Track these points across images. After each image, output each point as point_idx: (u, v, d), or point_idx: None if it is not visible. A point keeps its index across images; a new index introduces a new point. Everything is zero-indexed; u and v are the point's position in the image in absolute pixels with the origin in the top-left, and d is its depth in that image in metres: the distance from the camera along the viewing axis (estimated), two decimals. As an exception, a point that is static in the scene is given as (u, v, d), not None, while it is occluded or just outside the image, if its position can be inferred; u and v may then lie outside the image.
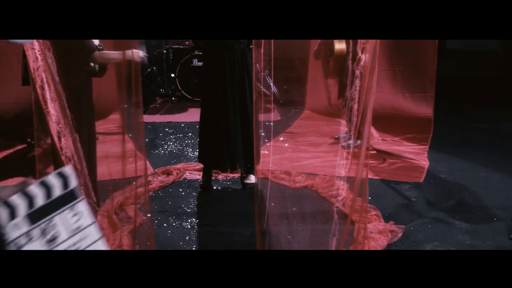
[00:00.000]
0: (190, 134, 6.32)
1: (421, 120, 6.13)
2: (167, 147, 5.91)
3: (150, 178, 4.81)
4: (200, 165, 4.83)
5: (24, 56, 5.20)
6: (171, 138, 6.26)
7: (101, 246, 1.75)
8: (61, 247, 1.68)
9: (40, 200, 1.66)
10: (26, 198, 1.65)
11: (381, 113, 6.12)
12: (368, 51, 4.98)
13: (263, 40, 4.23)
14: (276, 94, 8.03)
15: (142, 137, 4.40)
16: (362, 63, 5.10)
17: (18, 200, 1.64)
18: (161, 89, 8.14)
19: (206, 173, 4.65)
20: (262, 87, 7.08)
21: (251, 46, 4.34)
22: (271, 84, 8.00)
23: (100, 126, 6.53)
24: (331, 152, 5.52)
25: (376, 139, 5.88)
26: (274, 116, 7.08)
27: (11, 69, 6.56)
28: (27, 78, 5.14)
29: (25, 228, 1.63)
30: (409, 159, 5.36)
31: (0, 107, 6.54)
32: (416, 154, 5.50)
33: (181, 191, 4.63)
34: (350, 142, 5.64)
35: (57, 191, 1.68)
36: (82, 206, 1.71)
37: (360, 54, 5.16)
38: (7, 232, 1.62)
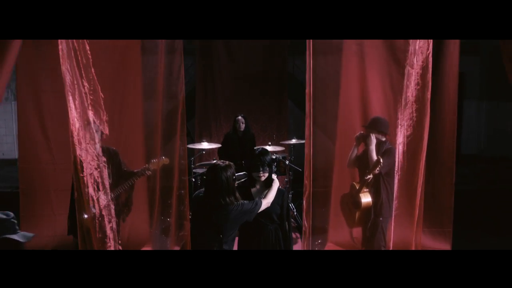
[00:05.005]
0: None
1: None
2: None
3: None
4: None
5: (70, 209, 5.67)
6: None
7: None
8: None
9: None
10: None
11: (401, 248, 6.39)
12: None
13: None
14: (299, 221, 8.32)
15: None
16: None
17: None
18: (190, 212, 8.47)
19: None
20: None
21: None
22: (294, 210, 8.34)
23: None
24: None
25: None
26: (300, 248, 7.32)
27: (50, 204, 7.01)
28: (72, 228, 5.59)
29: None
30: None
31: (39, 240, 6.93)
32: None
33: None
34: None
35: None
36: None
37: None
38: None
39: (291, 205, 8.29)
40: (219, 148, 8.61)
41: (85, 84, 4.64)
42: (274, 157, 8.24)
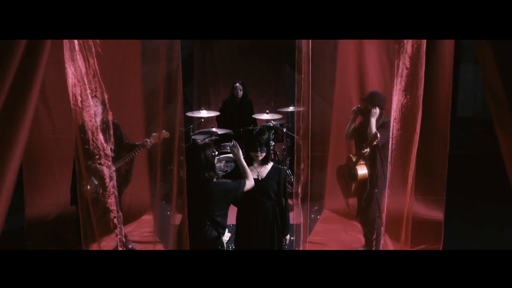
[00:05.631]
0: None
1: (432, 224, 6.56)
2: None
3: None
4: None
5: (73, 181, 5.82)
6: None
7: None
8: None
9: None
10: None
11: (395, 216, 6.54)
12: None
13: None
14: (297, 187, 8.45)
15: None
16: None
17: None
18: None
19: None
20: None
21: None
22: (291, 176, 8.47)
23: (135, 230, 7.09)
24: (350, 273, 5.98)
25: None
26: (296, 217, 7.49)
27: (53, 174, 7.15)
28: (75, 199, 5.77)
29: None
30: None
31: (41, 208, 7.11)
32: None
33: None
34: (367, 259, 6.14)
35: None
36: None
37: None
38: None
39: (289, 172, 8.44)
40: (217, 115, 8.72)
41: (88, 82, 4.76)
42: (272, 124, 8.37)
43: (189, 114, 8.43)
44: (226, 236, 4.74)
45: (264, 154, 4.73)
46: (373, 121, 5.83)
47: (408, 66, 5.18)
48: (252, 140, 4.73)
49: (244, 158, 4.82)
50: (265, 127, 8.08)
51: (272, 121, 8.45)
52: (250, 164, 4.82)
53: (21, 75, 2.69)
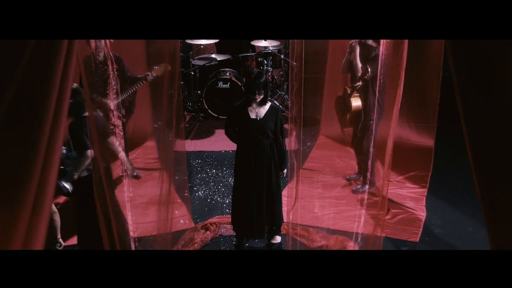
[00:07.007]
0: (217, 171, 7.20)
1: (423, 150, 6.82)
2: (199, 188, 6.79)
3: (191, 234, 5.67)
4: (232, 217, 5.68)
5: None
6: (202, 177, 7.09)
7: None
8: None
9: None
10: None
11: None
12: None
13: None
14: (293, 111, 8.66)
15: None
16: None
17: None
18: (189, 103, 8.89)
19: (238, 235, 5.55)
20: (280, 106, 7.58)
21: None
22: (288, 100, 8.68)
23: (139, 157, 7.38)
24: (343, 199, 6.37)
25: (382, 180, 6.61)
26: (293, 142, 7.71)
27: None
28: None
29: None
30: (409, 208, 6.21)
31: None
32: (416, 201, 6.34)
33: (218, 250, 5.54)
34: (359, 187, 6.51)
35: None
36: None
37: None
38: None
39: (286, 97, 8.68)
40: (216, 42, 8.84)
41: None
42: (269, 51, 8.52)
43: (189, 41, 8.54)
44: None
45: (262, 96, 4.95)
46: (357, 54, 6.07)
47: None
48: (250, 83, 4.94)
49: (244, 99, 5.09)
50: (263, 67, 8.30)
51: (270, 47, 8.59)
52: (249, 105, 5.04)
53: (63, 75, 2.79)
